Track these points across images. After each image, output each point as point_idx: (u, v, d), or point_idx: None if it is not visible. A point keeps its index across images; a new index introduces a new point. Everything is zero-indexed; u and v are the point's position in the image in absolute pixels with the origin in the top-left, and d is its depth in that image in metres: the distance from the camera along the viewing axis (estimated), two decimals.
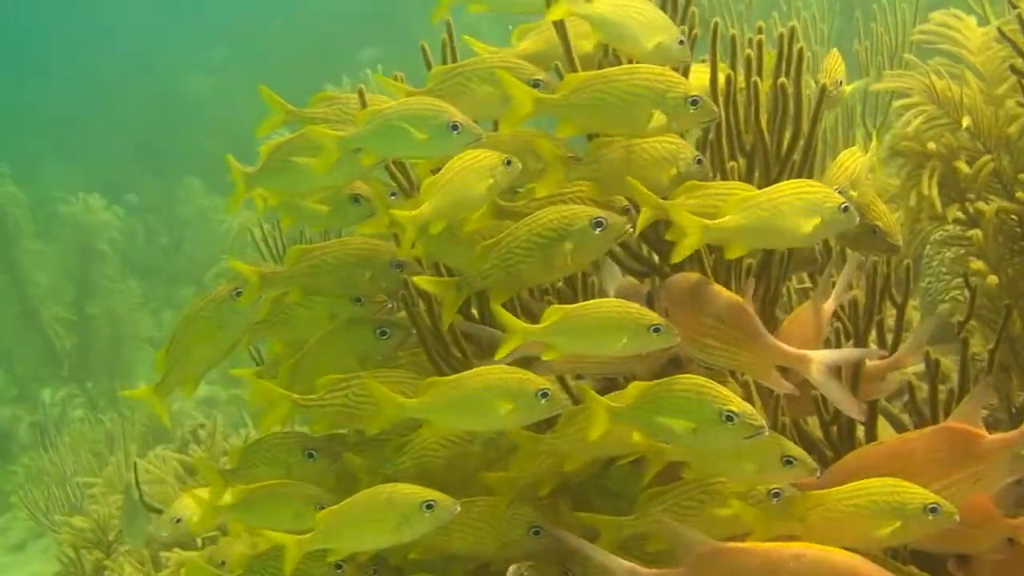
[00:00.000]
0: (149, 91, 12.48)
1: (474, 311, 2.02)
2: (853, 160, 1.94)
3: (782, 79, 1.88)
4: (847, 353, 1.79)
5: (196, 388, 1.95)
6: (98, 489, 3.53)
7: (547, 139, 1.85)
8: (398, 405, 1.75)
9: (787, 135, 1.89)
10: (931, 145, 2.54)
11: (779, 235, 1.68)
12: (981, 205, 2.27)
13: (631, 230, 1.77)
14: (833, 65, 2.07)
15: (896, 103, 2.64)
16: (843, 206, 1.65)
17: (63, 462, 4.43)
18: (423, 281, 1.86)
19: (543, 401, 1.68)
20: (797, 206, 1.65)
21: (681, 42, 1.82)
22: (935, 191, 2.50)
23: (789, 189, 1.68)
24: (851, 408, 1.71)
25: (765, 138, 1.89)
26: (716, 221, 1.68)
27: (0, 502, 6.03)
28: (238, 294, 1.89)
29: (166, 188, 9.74)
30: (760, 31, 1.91)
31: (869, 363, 1.86)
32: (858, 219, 1.69)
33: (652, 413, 1.63)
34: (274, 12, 13.58)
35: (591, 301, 1.72)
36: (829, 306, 1.91)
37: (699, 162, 1.80)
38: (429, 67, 2.03)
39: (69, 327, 6.61)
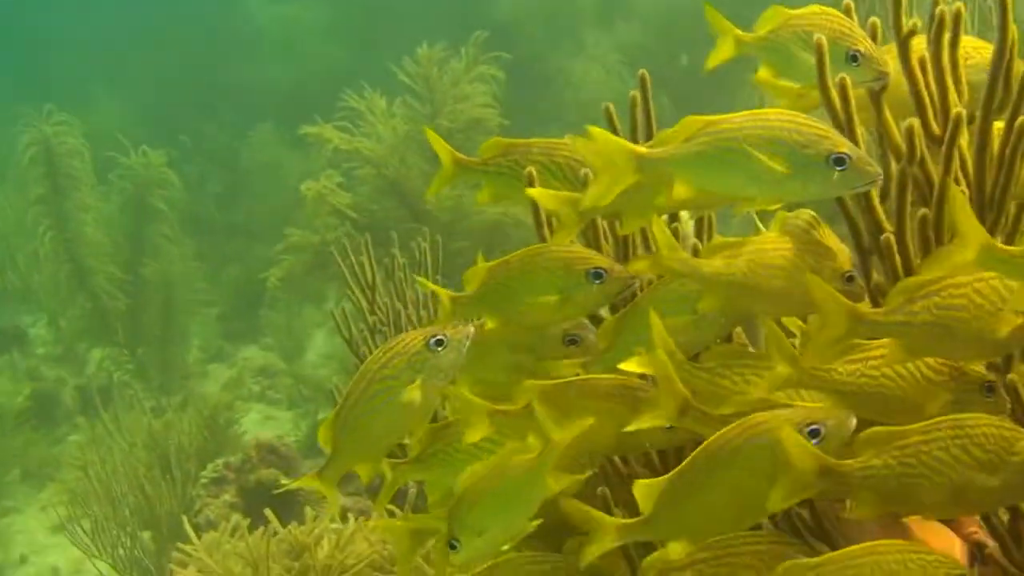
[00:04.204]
0: (208, 19, 11.80)
1: None
2: None
3: None
4: None
5: (376, 470, 1.46)
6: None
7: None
8: None
9: None
10: None
11: None
12: None
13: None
14: None
15: None
16: None
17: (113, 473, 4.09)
18: None
19: None
20: None
21: None
22: None
23: None
24: None
25: None
26: None
27: (42, 475, 5.72)
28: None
29: (222, 130, 9.26)
30: None
31: None
32: None
33: None
34: None
35: None
36: None
37: None
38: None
39: (122, 288, 6.22)
